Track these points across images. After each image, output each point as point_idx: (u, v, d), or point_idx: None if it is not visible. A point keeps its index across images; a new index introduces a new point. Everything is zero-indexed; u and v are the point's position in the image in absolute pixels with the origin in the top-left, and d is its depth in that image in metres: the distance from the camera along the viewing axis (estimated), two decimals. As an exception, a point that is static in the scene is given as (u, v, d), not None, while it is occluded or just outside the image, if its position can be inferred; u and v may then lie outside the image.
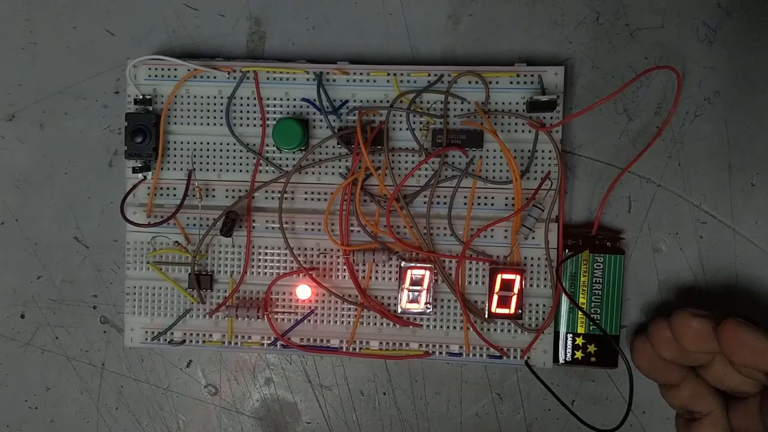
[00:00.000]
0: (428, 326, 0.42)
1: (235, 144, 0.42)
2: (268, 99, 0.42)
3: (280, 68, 0.42)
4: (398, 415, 0.44)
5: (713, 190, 0.42)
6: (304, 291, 0.42)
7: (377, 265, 0.42)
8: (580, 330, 0.41)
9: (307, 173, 0.42)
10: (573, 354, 0.41)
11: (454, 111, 0.41)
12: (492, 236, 0.41)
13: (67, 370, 0.45)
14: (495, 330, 0.41)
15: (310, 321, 0.42)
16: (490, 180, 0.41)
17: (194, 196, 0.42)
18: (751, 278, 0.42)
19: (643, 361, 0.39)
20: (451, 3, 0.43)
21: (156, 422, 0.45)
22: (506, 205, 0.41)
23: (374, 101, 0.42)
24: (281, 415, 0.45)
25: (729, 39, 0.42)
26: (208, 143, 0.42)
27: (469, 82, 0.41)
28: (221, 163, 0.42)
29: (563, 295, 0.41)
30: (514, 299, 0.41)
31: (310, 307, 0.42)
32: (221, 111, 0.42)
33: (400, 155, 0.42)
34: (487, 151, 0.41)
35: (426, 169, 0.41)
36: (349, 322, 0.42)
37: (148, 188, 0.42)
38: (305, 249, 0.42)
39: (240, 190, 0.42)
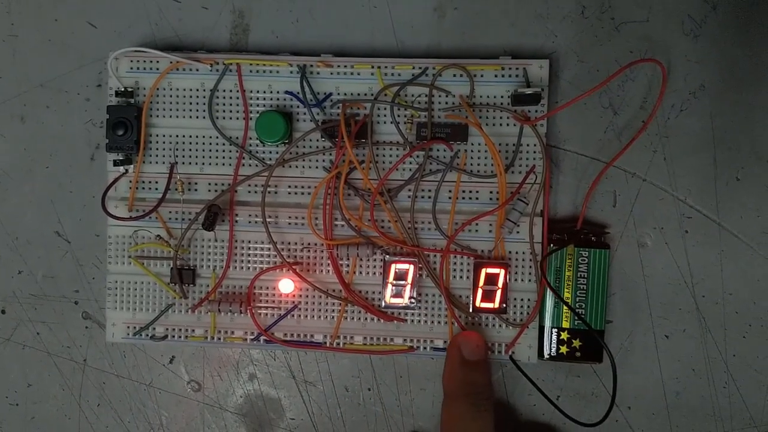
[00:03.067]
0: (412, 321, 0.41)
1: (217, 137, 0.42)
2: (251, 92, 0.41)
3: (264, 61, 0.41)
4: (383, 411, 0.44)
5: (699, 185, 0.42)
6: (287, 285, 0.41)
7: (361, 259, 0.41)
8: (565, 325, 0.41)
9: (290, 167, 0.42)
10: (558, 349, 0.41)
11: (439, 104, 0.41)
12: (477, 230, 0.41)
13: (48, 366, 0.45)
14: (479, 325, 0.41)
15: (293, 316, 0.42)
16: (475, 174, 0.41)
17: (176, 189, 0.41)
18: (736, 273, 0.42)
19: None
20: (436, -4, 0.43)
21: (138, 419, 0.45)
22: (491, 199, 0.41)
23: (358, 94, 0.41)
24: (265, 411, 0.44)
25: (714, 33, 0.42)
26: (190, 136, 0.42)
27: (454, 75, 0.41)
28: (203, 157, 0.42)
29: (548, 289, 0.40)
30: (498, 294, 0.40)
31: (293, 302, 0.42)
32: (204, 104, 0.42)
33: (384, 149, 0.41)
34: (472, 144, 0.41)
35: (410, 163, 0.41)
36: (333, 317, 0.42)
37: (130, 182, 0.42)
38: (288, 243, 0.42)
39: (222, 184, 0.42)
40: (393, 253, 0.41)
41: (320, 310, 0.42)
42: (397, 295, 0.41)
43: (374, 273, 0.41)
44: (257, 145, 0.42)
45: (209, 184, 0.42)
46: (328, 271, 0.42)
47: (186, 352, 0.44)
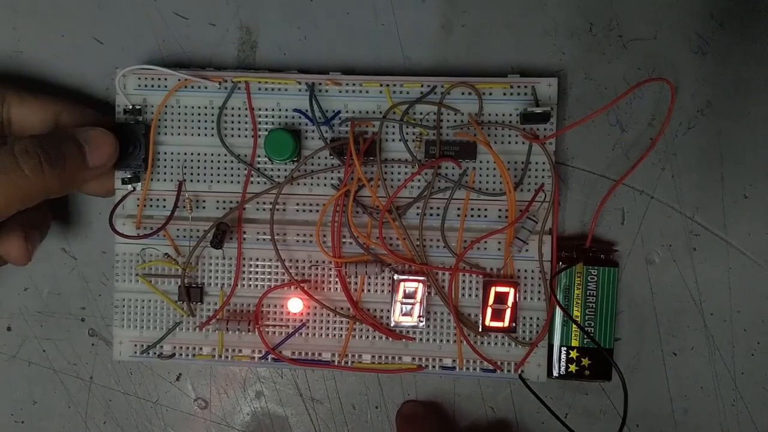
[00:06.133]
0: (421, 339, 0.41)
1: (226, 155, 0.41)
2: (259, 109, 0.41)
3: (272, 78, 0.41)
4: (390, 429, 0.44)
5: (706, 202, 0.42)
6: (295, 304, 0.41)
7: (369, 277, 0.41)
8: (574, 343, 0.41)
9: (298, 184, 0.41)
10: (567, 367, 0.41)
11: (447, 122, 0.41)
12: (485, 248, 0.41)
13: (54, 383, 0.45)
14: (489, 343, 0.41)
15: (301, 334, 0.42)
16: (484, 192, 0.41)
17: (184, 207, 0.41)
18: (744, 290, 0.42)
19: None
20: (443, 13, 0.42)
21: (145, 436, 0.45)
22: (500, 216, 0.41)
23: (367, 112, 0.41)
24: (272, 429, 0.44)
25: (722, 50, 0.42)
26: (198, 154, 0.42)
27: (462, 93, 0.41)
28: (212, 174, 0.42)
29: (557, 308, 0.40)
30: (508, 312, 0.40)
31: (301, 320, 0.41)
32: (212, 121, 0.41)
33: (392, 166, 0.41)
34: (481, 162, 0.41)
35: (419, 181, 0.41)
36: (341, 335, 0.42)
37: (138, 199, 0.42)
38: (297, 261, 0.42)
39: (231, 202, 0.42)
40: (401, 271, 0.41)
41: (328, 328, 0.42)
42: (406, 313, 0.41)
43: (382, 291, 0.41)
44: (266, 163, 0.41)
45: (217, 201, 0.42)
46: (336, 289, 0.41)
47: (193, 369, 0.44)
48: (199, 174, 0.42)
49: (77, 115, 0.40)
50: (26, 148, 0.35)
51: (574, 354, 0.41)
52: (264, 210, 0.42)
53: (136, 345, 0.42)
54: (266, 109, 0.41)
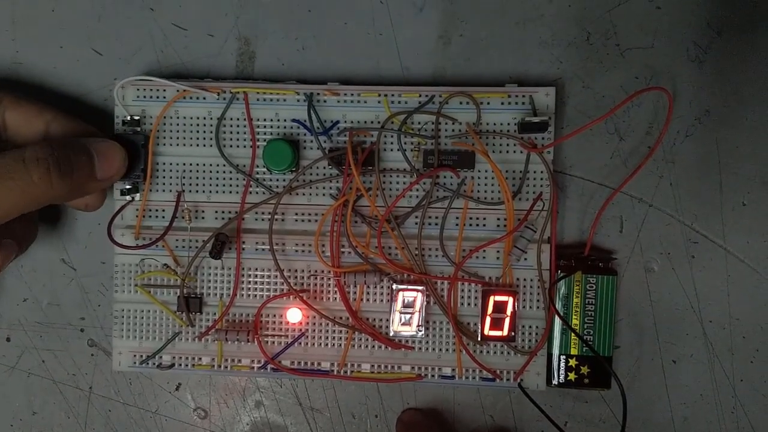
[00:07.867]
0: (420, 349, 0.41)
1: (224, 165, 0.42)
2: (258, 120, 0.41)
3: (270, 89, 0.41)
4: (390, 437, 0.44)
5: (705, 210, 0.42)
6: (294, 314, 0.41)
7: (368, 287, 0.41)
8: (573, 351, 0.41)
9: (297, 194, 0.42)
10: (566, 376, 0.41)
11: (445, 132, 0.41)
12: (484, 257, 0.41)
13: (53, 394, 0.45)
14: (488, 352, 0.41)
15: (300, 344, 0.42)
16: (482, 201, 0.41)
17: (183, 217, 0.41)
18: (743, 298, 0.42)
19: None
20: (441, 23, 0.43)
21: (144, 447, 0.45)
22: (498, 225, 0.41)
23: (365, 122, 0.41)
24: (272, 439, 0.44)
25: (719, 59, 0.42)
26: (197, 164, 0.42)
27: (461, 103, 0.41)
28: (211, 185, 0.42)
29: (556, 316, 0.40)
30: (507, 321, 0.40)
31: (300, 330, 0.42)
32: (211, 132, 0.42)
33: (391, 176, 0.41)
34: (479, 171, 0.41)
35: (417, 190, 0.41)
36: (340, 345, 0.42)
37: (137, 210, 0.42)
38: (295, 271, 0.42)
39: (230, 212, 0.42)
40: (400, 281, 0.41)
41: (327, 337, 0.42)
42: (405, 323, 0.41)
43: (381, 300, 0.41)
44: (264, 173, 0.42)
45: (216, 212, 0.42)
46: (335, 298, 0.41)
47: (192, 379, 0.44)
48: (198, 184, 0.42)
49: (68, 125, 0.39)
50: (37, 155, 0.35)
51: (573, 362, 0.41)
52: (263, 220, 0.42)
53: (135, 355, 0.42)
54: (265, 120, 0.41)
